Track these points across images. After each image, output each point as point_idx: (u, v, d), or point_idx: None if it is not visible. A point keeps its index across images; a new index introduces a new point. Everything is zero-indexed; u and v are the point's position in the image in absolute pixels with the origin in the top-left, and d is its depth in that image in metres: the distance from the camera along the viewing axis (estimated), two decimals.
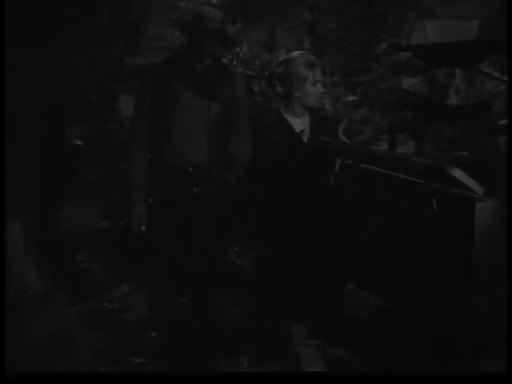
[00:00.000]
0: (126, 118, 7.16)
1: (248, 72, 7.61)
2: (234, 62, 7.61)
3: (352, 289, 4.60)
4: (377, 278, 3.94)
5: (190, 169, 4.33)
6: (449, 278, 3.29)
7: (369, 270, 4.03)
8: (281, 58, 4.70)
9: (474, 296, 3.17)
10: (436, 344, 3.48)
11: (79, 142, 7.03)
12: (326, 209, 4.33)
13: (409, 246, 3.59)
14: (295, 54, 4.62)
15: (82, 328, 5.34)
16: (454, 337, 3.31)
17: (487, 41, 4.55)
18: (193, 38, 4.24)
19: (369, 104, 7.80)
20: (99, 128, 7.07)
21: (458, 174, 3.10)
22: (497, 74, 6.67)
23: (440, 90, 7.59)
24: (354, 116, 7.33)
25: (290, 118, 4.59)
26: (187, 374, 3.70)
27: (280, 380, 3.51)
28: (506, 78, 6.77)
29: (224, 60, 7.51)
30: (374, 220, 3.93)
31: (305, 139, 4.53)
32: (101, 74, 7.21)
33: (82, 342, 5.15)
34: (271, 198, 4.42)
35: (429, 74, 7.52)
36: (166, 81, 4.31)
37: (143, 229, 4.39)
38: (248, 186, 4.50)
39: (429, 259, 3.41)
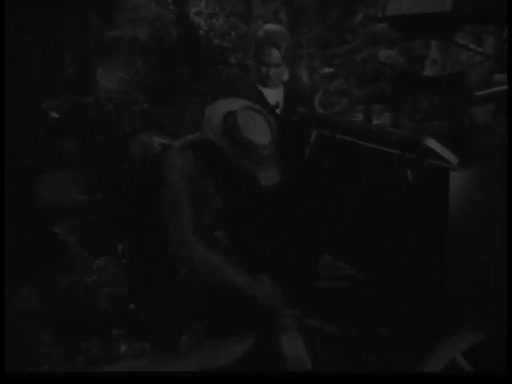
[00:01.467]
0: (102, 90, 7.17)
1: (224, 44, 7.63)
2: (211, 34, 7.61)
3: (329, 260, 4.64)
4: (353, 249, 3.98)
5: None
6: (424, 247, 3.33)
7: (345, 241, 4.07)
8: (258, 32, 4.72)
9: (449, 265, 3.21)
10: (413, 313, 3.53)
11: (56, 115, 7.00)
12: (304, 180, 4.36)
13: (384, 217, 3.62)
14: (267, 28, 4.66)
15: (61, 301, 5.35)
16: (431, 306, 3.35)
17: (462, 12, 4.56)
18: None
19: (345, 75, 7.84)
20: (76, 100, 7.03)
21: (433, 144, 3.13)
22: (472, 46, 6.71)
23: (416, 61, 7.64)
24: (331, 88, 7.37)
25: (264, 90, 4.63)
26: (187, 374, 3.70)
27: (280, 380, 3.53)
28: (480, 49, 6.81)
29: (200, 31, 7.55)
30: (351, 191, 3.97)
31: (278, 111, 4.57)
32: (78, 46, 7.18)
33: (61, 315, 5.17)
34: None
35: (405, 45, 7.56)
36: None
37: None
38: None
39: (404, 229, 3.45)
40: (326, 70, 7.89)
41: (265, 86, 4.64)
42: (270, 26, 4.72)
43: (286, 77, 4.69)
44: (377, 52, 7.85)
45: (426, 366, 3.26)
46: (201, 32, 7.53)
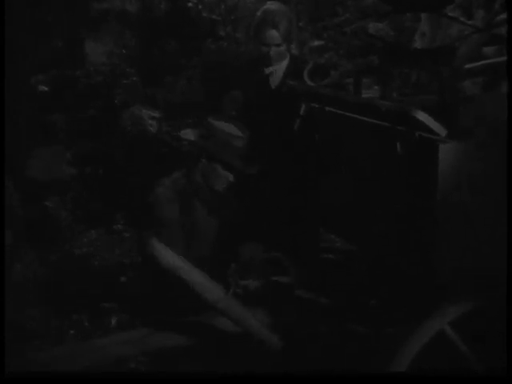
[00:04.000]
0: (91, 63, 7.13)
1: (214, 17, 7.58)
2: (200, 7, 7.56)
3: (320, 232, 4.67)
4: (343, 222, 3.99)
5: None
6: (413, 219, 3.34)
7: (335, 213, 4.08)
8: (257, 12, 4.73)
9: (438, 238, 3.22)
10: (401, 285, 3.56)
11: (45, 88, 6.97)
12: (295, 152, 4.38)
13: (374, 190, 3.63)
14: (265, 7, 4.66)
15: (52, 274, 5.36)
16: (419, 277, 3.37)
17: None
18: None
19: (334, 48, 7.82)
20: (65, 74, 7.01)
21: (422, 116, 3.13)
22: (462, 19, 6.70)
23: (406, 34, 7.62)
24: (320, 60, 7.35)
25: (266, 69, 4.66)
26: (187, 374, 3.71)
27: (280, 380, 3.54)
28: (470, 22, 6.80)
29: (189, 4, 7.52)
30: (341, 164, 3.98)
31: (274, 83, 4.58)
32: (66, 19, 7.14)
33: (52, 288, 5.18)
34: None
35: (394, 18, 7.55)
36: None
37: None
38: None
39: (394, 202, 3.46)
40: (316, 42, 7.86)
41: (268, 66, 4.64)
42: (269, 6, 4.69)
43: (287, 55, 4.69)
44: (367, 25, 7.83)
45: (413, 337, 3.28)
46: (190, 5, 7.48)
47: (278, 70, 4.65)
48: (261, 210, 4.44)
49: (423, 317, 3.31)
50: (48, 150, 6.54)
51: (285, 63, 4.68)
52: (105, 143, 6.48)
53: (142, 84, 7.00)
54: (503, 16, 5.97)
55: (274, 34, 4.57)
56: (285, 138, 4.41)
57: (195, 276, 3.76)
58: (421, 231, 3.29)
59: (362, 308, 3.96)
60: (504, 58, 4.13)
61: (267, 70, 4.64)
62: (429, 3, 4.28)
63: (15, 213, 5.77)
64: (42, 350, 4.22)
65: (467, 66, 4.43)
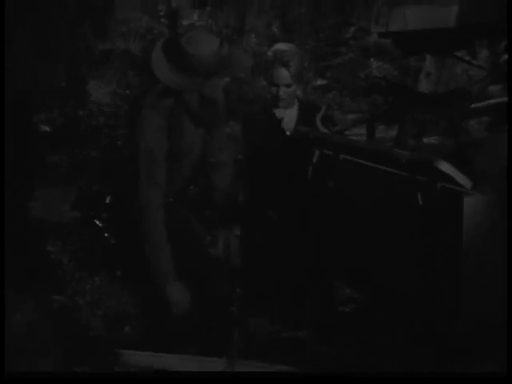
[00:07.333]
0: (94, 103, 7.08)
1: None
2: None
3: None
4: (360, 274, 3.89)
5: None
6: (437, 271, 3.26)
7: (351, 265, 3.99)
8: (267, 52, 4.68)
9: (463, 288, 3.15)
10: (425, 341, 3.47)
11: (47, 128, 6.91)
12: (308, 201, 4.30)
13: (393, 242, 3.55)
14: (275, 47, 4.62)
15: (53, 324, 5.26)
16: (444, 332, 3.29)
17: (467, 28, 4.51)
18: None
19: (338, 88, 7.80)
20: (68, 114, 6.95)
21: (446, 167, 3.05)
22: (467, 58, 6.70)
23: (410, 74, 7.61)
24: (323, 99, 7.33)
25: (277, 111, 4.58)
26: (187, 374, 3.64)
27: (280, 380, 3.48)
28: (476, 62, 6.78)
29: None
30: (356, 214, 3.89)
31: (287, 129, 4.52)
32: (70, 58, 7.10)
33: (53, 339, 5.07)
34: (253, 191, 4.42)
35: (399, 59, 7.53)
36: None
37: None
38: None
39: (415, 252, 3.38)
40: (319, 82, 7.84)
41: (276, 107, 4.58)
42: (279, 46, 4.66)
43: (296, 96, 4.64)
44: (370, 65, 7.83)
45: None
46: None
47: (289, 115, 4.59)
48: (272, 264, 4.38)
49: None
50: (51, 191, 6.45)
51: (295, 108, 4.62)
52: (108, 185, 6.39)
53: None
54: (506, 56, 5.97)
55: (284, 74, 4.51)
56: (297, 186, 4.35)
57: None
58: (445, 282, 3.21)
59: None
60: (505, 99, 4.12)
61: (279, 115, 4.57)
62: (440, 47, 4.24)
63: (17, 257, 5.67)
64: None
65: (474, 105, 4.41)
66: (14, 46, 6.18)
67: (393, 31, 4.67)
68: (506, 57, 5.43)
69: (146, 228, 4.00)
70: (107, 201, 4.33)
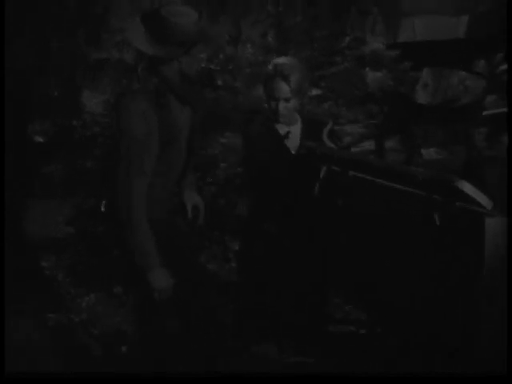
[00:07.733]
0: (88, 113, 7.01)
1: (212, 66, 7.50)
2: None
3: (339, 304, 4.53)
4: (370, 294, 3.82)
5: None
6: (453, 298, 3.19)
7: (356, 285, 3.93)
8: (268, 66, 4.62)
9: (483, 311, 3.09)
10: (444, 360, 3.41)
11: (40, 139, 6.83)
12: (314, 218, 4.24)
13: (406, 263, 3.47)
14: (275, 61, 4.56)
15: (47, 343, 5.17)
16: (462, 352, 3.24)
17: (476, 39, 4.48)
18: None
19: (333, 98, 7.75)
20: (62, 124, 6.87)
21: (467, 187, 2.96)
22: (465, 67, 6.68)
23: (406, 84, 7.57)
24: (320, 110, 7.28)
25: (278, 126, 4.52)
26: (186, 374, 3.61)
27: (280, 380, 3.46)
28: (475, 70, 6.76)
29: None
30: (366, 232, 3.83)
31: (291, 145, 4.46)
32: (63, 68, 7.03)
33: (47, 357, 4.99)
34: (257, 207, 4.37)
35: (395, 68, 7.50)
36: None
37: None
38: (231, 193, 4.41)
39: (432, 273, 3.31)
40: (314, 92, 7.79)
41: (277, 122, 4.52)
42: (280, 59, 4.59)
43: (297, 110, 4.57)
44: (365, 74, 7.79)
45: None
46: None
47: (293, 130, 4.53)
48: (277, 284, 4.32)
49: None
50: (45, 205, 6.37)
51: (299, 124, 4.56)
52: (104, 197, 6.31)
53: None
54: (504, 67, 5.95)
55: (283, 88, 4.44)
56: (303, 203, 4.29)
57: None
58: (465, 303, 3.15)
59: None
60: (505, 109, 4.09)
61: (282, 131, 4.51)
62: (453, 58, 4.20)
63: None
64: None
65: (485, 112, 4.39)
66: (8, 58, 6.13)
67: (401, 42, 4.63)
68: (504, 67, 5.43)
69: (128, 215, 3.83)
70: (102, 208, 4.16)
